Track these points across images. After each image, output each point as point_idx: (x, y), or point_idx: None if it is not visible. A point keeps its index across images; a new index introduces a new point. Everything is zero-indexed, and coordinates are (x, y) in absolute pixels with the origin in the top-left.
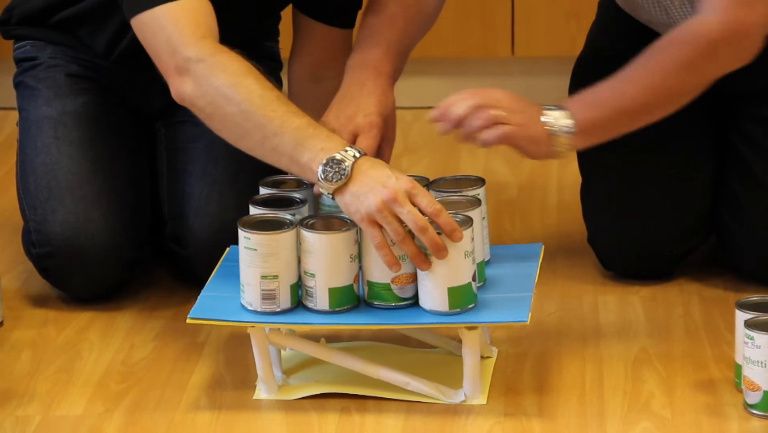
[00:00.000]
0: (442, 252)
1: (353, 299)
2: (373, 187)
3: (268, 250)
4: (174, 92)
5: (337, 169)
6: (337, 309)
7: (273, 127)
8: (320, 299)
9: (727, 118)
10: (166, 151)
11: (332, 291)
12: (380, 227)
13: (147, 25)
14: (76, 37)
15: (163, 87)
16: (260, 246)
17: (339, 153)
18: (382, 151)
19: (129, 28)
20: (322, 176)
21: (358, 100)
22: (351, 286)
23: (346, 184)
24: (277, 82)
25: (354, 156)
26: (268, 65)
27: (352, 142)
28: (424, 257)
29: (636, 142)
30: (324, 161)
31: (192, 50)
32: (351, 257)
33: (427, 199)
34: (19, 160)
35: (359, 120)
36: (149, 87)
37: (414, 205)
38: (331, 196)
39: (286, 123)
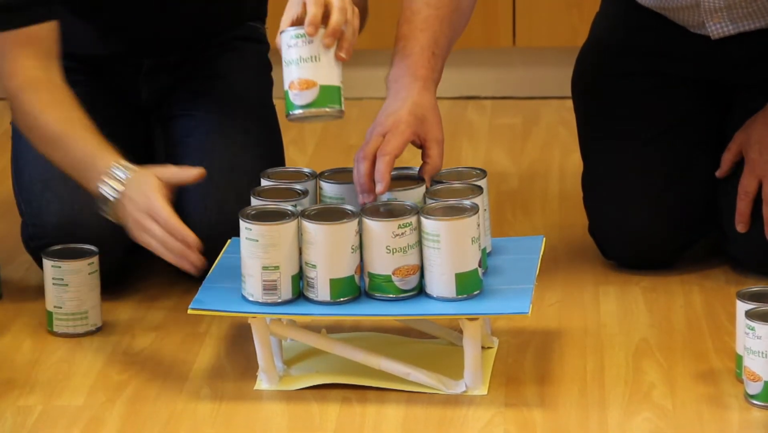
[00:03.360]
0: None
1: (354, 290)
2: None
3: (270, 241)
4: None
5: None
6: (338, 300)
7: (69, 156)
8: (321, 290)
9: (727, 110)
10: (161, 147)
11: (333, 282)
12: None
13: None
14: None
15: (149, 76)
16: (261, 237)
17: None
18: (428, 150)
19: (93, 28)
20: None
21: (393, 107)
22: (352, 277)
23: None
24: (266, 64)
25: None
26: (253, 47)
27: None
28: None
29: (638, 133)
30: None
31: (13, 83)
32: (352, 248)
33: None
34: (13, 156)
35: (386, 120)
36: (135, 76)
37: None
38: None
39: (73, 153)
